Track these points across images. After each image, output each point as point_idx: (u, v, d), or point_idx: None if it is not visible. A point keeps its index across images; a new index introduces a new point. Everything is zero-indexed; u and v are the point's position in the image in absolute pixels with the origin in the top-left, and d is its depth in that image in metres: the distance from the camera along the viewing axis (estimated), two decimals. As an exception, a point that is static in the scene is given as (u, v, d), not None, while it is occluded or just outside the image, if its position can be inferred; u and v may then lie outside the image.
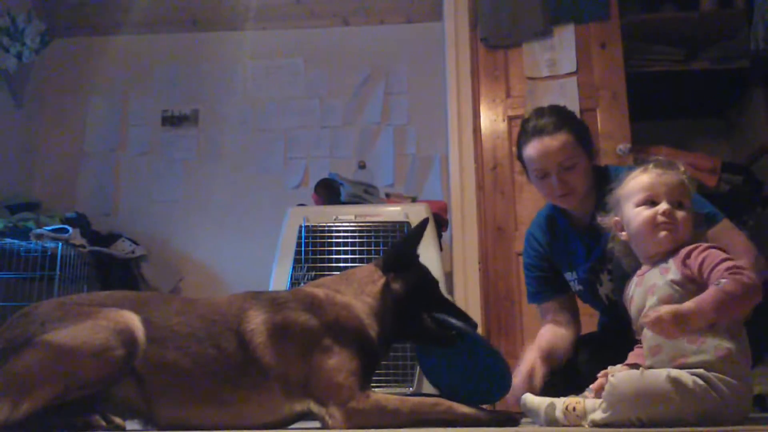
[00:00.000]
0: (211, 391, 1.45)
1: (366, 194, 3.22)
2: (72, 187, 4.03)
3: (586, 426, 1.36)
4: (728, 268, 1.32)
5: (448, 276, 3.26)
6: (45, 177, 4.03)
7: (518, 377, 1.84)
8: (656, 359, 1.37)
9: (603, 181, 1.87)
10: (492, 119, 3.43)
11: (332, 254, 2.90)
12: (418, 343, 1.74)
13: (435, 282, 1.73)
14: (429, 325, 1.63)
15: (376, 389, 1.54)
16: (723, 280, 1.31)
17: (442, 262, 2.95)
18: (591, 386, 1.50)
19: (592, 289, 2.03)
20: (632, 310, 1.51)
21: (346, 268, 2.80)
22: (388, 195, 3.41)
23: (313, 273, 2.82)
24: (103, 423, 1.39)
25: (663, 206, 1.47)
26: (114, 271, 3.50)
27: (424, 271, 1.72)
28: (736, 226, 1.86)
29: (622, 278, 1.71)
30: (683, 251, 1.42)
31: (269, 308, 1.52)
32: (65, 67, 4.19)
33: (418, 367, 2.57)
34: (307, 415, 1.47)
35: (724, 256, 1.37)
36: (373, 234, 2.91)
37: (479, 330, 3.24)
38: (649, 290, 1.45)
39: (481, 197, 3.35)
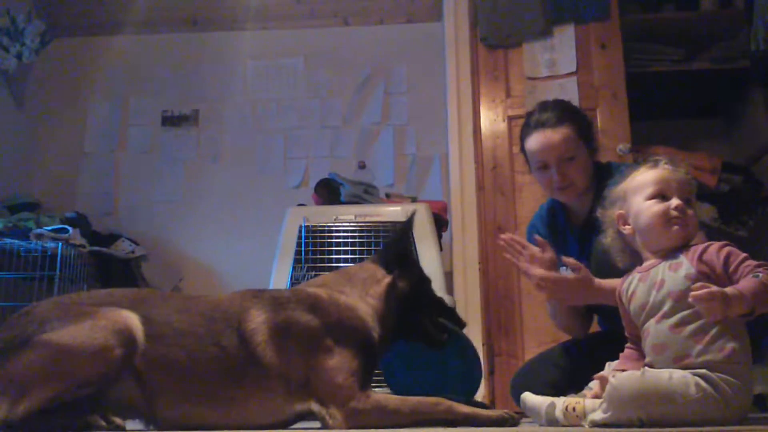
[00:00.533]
0: (211, 390, 1.45)
1: (366, 194, 3.22)
2: (72, 187, 4.03)
3: (586, 426, 1.36)
4: (759, 264, 1.33)
5: (448, 276, 3.26)
6: (45, 177, 4.02)
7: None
8: (660, 357, 1.37)
9: (603, 177, 1.88)
10: (492, 119, 3.43)
11: (332, 254, 2.90)
12: (411, 341, 1.74)
13: (429, 279, 1.75)
14: (426, 324, 1.64)
15: (377, 389, 1.54)
16: (761, 274, 1.31)
17: (442, 262, 2.95)
18: (590, 384, 1.50)
19: None
20: (633, 305, 1.49)
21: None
22: (388, 195, 3.41)
23: (313, 273, 2.81)
24: (103, 423, 1.38)
25: (676, 201, 1.47)
26: (114, 271, 3.49)
27: (420, 268, 1.73)
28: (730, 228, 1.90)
29: (602, 276, 1.73)
30: (697, 248, 1.42)
31: (271, 307, 1.52)
32: (65, 67, 4.19)
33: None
34: (308, 415, 1.47)
35: (746, 254, 1.38)
36: (373, 234, 2.91)
37: (478, 331, 3.25)
38: (655, 285, 1.43)
39: (481, 197, 3.35)
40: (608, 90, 3.32)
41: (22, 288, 3.15)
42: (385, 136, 3.99)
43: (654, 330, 1.40)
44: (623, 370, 1.43)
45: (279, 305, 1.53)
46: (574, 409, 1.40)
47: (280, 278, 2.87)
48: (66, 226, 3.18)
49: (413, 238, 2.85)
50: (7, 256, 3.10)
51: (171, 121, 4.12)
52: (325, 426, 1.44)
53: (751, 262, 1.35)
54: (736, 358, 1.30)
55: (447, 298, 2.77)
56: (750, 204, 3.32)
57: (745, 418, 1.33)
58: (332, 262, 2.87)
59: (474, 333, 3.17)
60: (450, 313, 1.71)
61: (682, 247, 1.46)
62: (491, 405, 3.03)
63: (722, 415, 1.26)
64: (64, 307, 1.46)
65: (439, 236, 3.17)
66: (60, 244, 3.08)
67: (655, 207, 1.48)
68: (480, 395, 3.02)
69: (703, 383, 1.26)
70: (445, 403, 1.47)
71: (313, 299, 1.56)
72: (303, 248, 2.90)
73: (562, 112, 2.03)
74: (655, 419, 1.26)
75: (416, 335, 1.68)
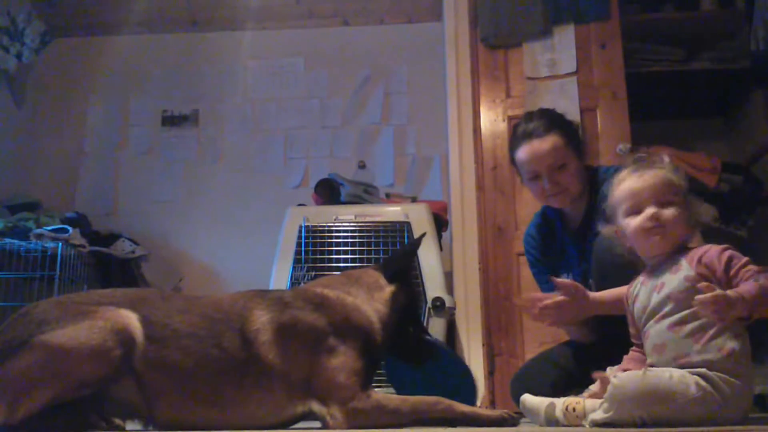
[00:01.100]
0: (212, 391, 1.44)
1: (366, 194, 3.22)
2: (72, 187, 4.03)
3: (586, 426, 1.36)
4: (760, 270, 1.33)
5: (448, 276, 3.26)
6: (45, 177, 4.03)
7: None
8: (660, 358, 1.37)
9: (594, 182, 1.90)
10: (492, 119, 3.43)
11: (332, 254, 2.89)
12: (396, 356, 1.74)
13: (421, 305, 1.78)
14: (412, 340, 1.66)
15: (377, 389, 1.54)
16: (761, 278, 1.31)
17: (442, 262, 2.95)
18: (591, 387, 1.50)
19: None
20: (635, 308, 1.50)
21: (346, 268, 2.81)
22: (388, 195, 3.41)
23: (313, 273, 2.82)
24: (103, 423, 1.38)
25: (649, 211, 1.46)
26: (114, 271, 3.49)
27: (415, 290, 1.76)
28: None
29: (603, 281, 1.72)
30: (698, 251, 1.42)
31: (275, 307, 1.52)
32: (65, 67, 4.19)
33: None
34: (309, 416, 1.47)
35: (747, 258, 1.37)
36: (373, 234, 2.91)
37: (478, 331, 3.25)
38: (656, 288, 1.44)
39: (481, 197, 3.35)
40: (608, 90, 3.32)
41: (22, 288, 3.15)
42: (385, 136, 3.99)
43: (654, 331, 1.41)
44: (626, 370, 1.43)
45: (284, 305, 1.53)
46: (574, 409, 1.40)
47: (280, 278, 2.86)
48: (66, 226, 3.18)
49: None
50: (7, 256, 3.11)
51: (171, 121, 4.12)
52: (325, 426, 1.44)
53: (752, 267, 1.35)
54: (736, 358, 1.30)
55: (447, 298, 2.79)
56: (750, 204, 3.32)
57: (746, 417, 1.33)
58: (332, 262, 2.87)
59: (474, 333, 3.18)
60: (423, 346, 1.72)
61: (682, 249, 1.46)
62: (491, 405, 3.03)
63: (722, 415, 1.26)
64: (63, 307, 1.45)
65: (439, 236, 3.17)
66: (60, 244, 3.08)
67: (632, 223, 1.49)
68: (480, 395, 3.03)
69: (702, 382, 1.27)
70: (444, 402, 1.47)
71: (320, 298, 1.56)
72: (303, 248, 2.90)
73: (548, 120, 2.04)
74: (655, 419, 1.26)
75: (399, 352, 1.69)
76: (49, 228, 3.15)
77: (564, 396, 1.47)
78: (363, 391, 1.45)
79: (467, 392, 1.94)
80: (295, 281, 2.83)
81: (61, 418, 1.35)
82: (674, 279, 1.41)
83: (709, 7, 3.54)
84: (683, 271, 1.41)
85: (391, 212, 3.01)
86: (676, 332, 1.36)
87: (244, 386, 1.45)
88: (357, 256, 2.86)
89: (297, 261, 2.88)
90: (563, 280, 1.71)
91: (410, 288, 1.73)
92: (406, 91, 4.04)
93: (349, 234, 2.92)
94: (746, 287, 1.31)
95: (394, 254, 1.90)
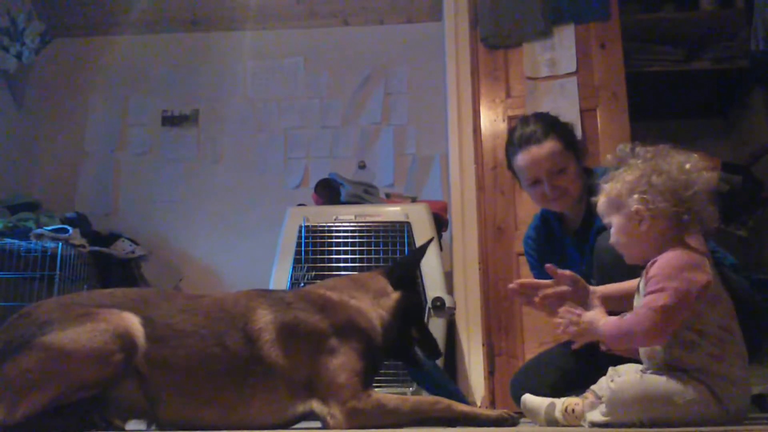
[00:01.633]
0: (214, 391, 1.45)
1: (366, 194, 3.22)
2: (72, 187, 4.03)
3: (586, 426, 1.36)
4: (646, 304, 1.30)
5: (448, 276, 3.26)
6: (45, 177, 4.03)
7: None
8: (652, 362, 1.38)
9: (591, 184, 1.90)
10: (492, 119, 3.43)
11: (332, 254, 2.90)
12: (397, 359, 1.79)
13: (423, 310, 1.80)
14: (412, 347, 1.69)
15: (377, 389, 1.54)
16: (628, 315, 1.36)
17: (442, 262, 2.95)
18: (592, 387, 1.50)
19: None
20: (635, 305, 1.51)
21: (346, 268, 2.81)
22: (388, 195, 3.41)
23: (313, 273, 2.82)
24: (103, 424, 1.38)
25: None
26: (114, 271, 3.49)
27: (420, 297, 1.77)
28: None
29: (603, 281, 1.72)
30: (659, 258, 1.37)
31: (279, 307, 1.52)
32: (65, 67, 4.19)
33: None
34: (310, 415, 1.47)
35: (661, 285, 1.29)
36: (373, 234, 2.91)
37: (478, 331, 3.25)
38: (639, 291, 1.44)
39: (481, 197, 3.35)
40: (608, 90, 3.32)
41: (22, 288, 3.15)
42: (385, 136, 3.99)
43: None
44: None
45: (287, 305, 1.53)
46: (573, 410, 1.40)
47: (280, 278, 2.87)
48: (66, 226, 3.18)
49: (414, 240, 2.86)
50: (7, 256, 3.11)
51: (171, 121, 4.12)
52: (325, 426, 1.44)
53: (650, 297, 1.29)
54: (726, 361, 1.30)
55: (447, 298, 2.79)
56: (750, 204, 3.32)
57: (745, 418, 1.33)
58: (332, 262, 2.87)
59: (474, 333, 3.18)
60: (433, 343, 1.73)
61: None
62: (491, 405, 3.03)
63: (719, 415, 1.27)
64: (65, 308, 1.45)
65: (439, 236, 3.18)
66: (60, 244, 3.08)
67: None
68: (480, 395, 3.03)
69: (699, 385, 1.27)
70: (444, 402, 1.47)
71: (323, 300, 1.57)
72: (303, 248, 2.90)
73: (544, 125, 2.02)
74: (654, 421, 1.27)
75: (398, 355, 1.72)
76: (49, 228, 3.15)
77: (564, 396, 1.47)
78: (363, 390, 1.45)
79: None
80: (295, 281, 2.83)
81: (61, 420, 1.35)
82: (642, 284, 1.41)
83: (709, 7, 3.53)
84: (644, 278, 1.40)
85: (391, 212, 3.01)
86: None
87: (246, 385, 1.45)
88: (357, 257, 2.87)
89: (297, 261, 2.88)
90: (564, 270, 1.68)
91: (416, 295, 1.74)
92: (406, 91, 4.04)
93: (349, 234, 2.92)
94: (611, 320, 1.36)
95: (402, 260, 1.90)
